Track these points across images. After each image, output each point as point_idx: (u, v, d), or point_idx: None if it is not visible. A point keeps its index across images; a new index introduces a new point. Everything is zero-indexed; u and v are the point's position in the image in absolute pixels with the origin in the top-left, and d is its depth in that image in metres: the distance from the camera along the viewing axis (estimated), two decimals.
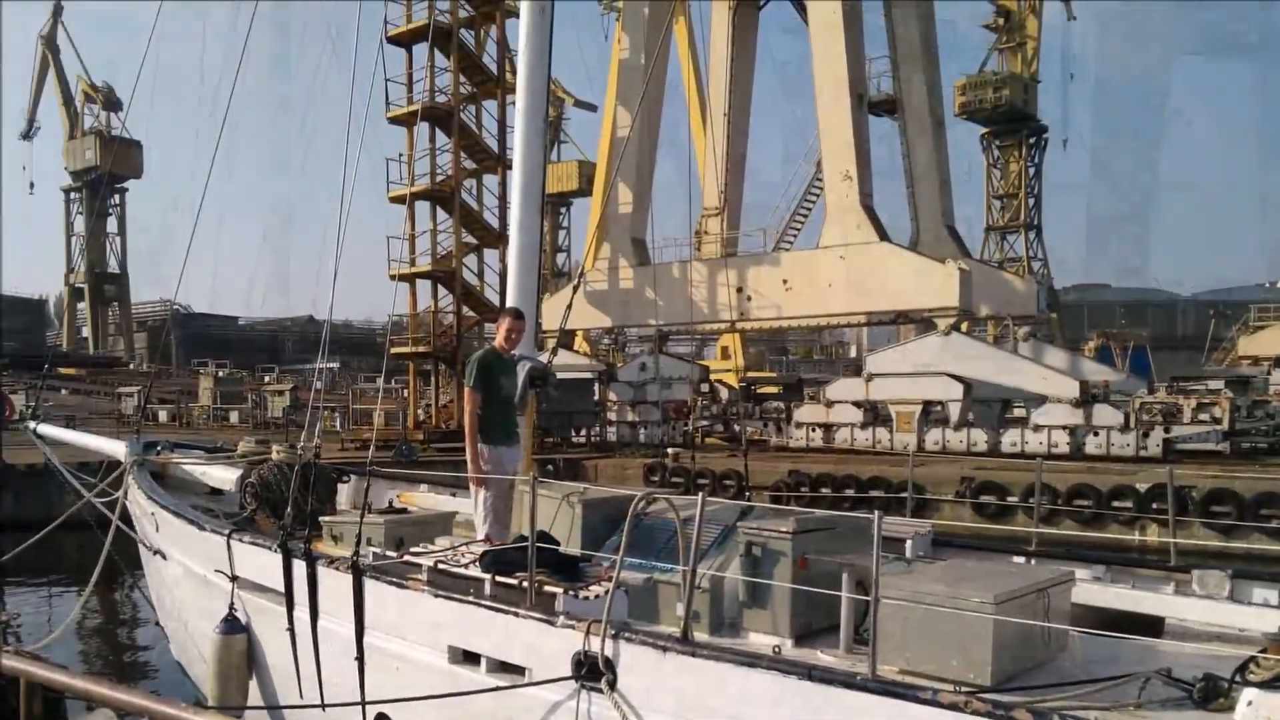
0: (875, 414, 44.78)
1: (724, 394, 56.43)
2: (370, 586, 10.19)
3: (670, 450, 42.59)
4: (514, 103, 15.64)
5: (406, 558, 10.41)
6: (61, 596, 26.81)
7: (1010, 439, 41.33)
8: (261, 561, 11.73)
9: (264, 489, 14.09)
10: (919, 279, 43.73)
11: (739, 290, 49.03)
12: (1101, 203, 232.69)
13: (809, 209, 71.85)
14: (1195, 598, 10.28)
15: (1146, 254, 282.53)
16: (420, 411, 54.53)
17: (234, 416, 69.27)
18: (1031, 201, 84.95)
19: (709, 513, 8.82)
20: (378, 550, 11.09)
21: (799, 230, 71.58)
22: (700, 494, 8.14)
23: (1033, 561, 11.27)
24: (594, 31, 79.69)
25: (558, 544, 9.70)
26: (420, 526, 12.54)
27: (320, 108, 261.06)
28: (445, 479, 16.71)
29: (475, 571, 9.49)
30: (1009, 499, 32.88)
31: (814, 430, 46.14)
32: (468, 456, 11.55)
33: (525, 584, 8.77)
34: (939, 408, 43.16)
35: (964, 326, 45.38)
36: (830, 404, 45.86)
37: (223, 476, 16.77)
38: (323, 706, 10.95)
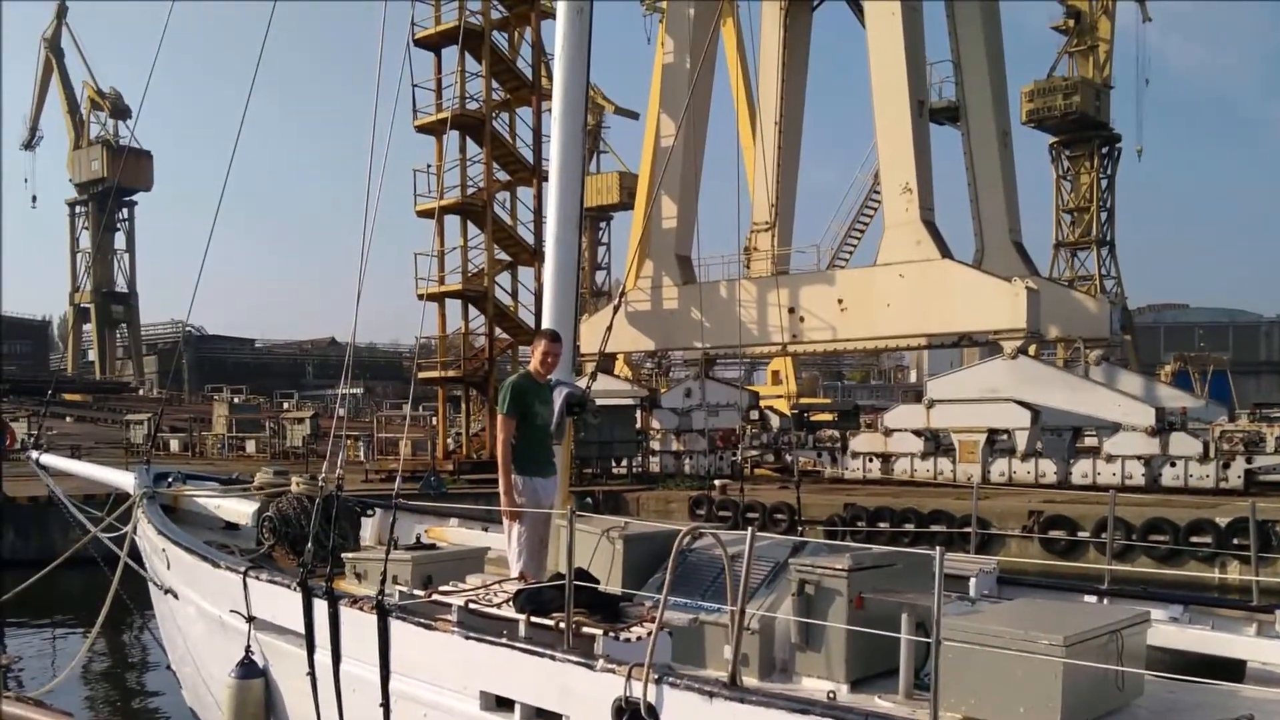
0: (937, 443, 44.71)
1: (775, 421, 56.40)
2: (396, 628, 10.21)
3: (717, 482, 42.60)
4: (550, 110, 15.66)
5: (435, 597, 10.43)
6: (66, 638, 26.98)
7: (1081, 470, 41.20)
8: (280, 601, 11.76)
9: (283, 523, 14.13)
10: (984, 298, 43.57)
11: (791, 310, 49.01)
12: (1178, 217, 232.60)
13: (866, 223, 71.88)
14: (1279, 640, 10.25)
15: (1227, 272, 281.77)
16: (450, 440, 54.67)
17: (250, 446, 69.50)
18: (1104, 216, 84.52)
19: (759, 549, 8.83)
20: (404, 589, 11.12)
21: (855, 246, 71.59)
22: (749, 529, 8.15)
23: (1105, 601, 11.25)
24: (636, 34, 79.73)
25: (597, 582, 9.73)
26: (450, 563, 12.56)
27: (343, 115, 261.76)
28: (476, 512, 16.75)
29: (509, 612, 9.51)
30: (1080, 534, 32.76)
31: (871, 460, 46.10)
32: (500, 488, 11.58)
33: (562, 625, 8.79)
34: (1005, 436, 43.01)
35: (1032, 349, 45.22)
36: (889, 432, 45.82)
37: (239, 510, 16.83)
38: None
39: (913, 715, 7.58)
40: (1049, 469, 41.36)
